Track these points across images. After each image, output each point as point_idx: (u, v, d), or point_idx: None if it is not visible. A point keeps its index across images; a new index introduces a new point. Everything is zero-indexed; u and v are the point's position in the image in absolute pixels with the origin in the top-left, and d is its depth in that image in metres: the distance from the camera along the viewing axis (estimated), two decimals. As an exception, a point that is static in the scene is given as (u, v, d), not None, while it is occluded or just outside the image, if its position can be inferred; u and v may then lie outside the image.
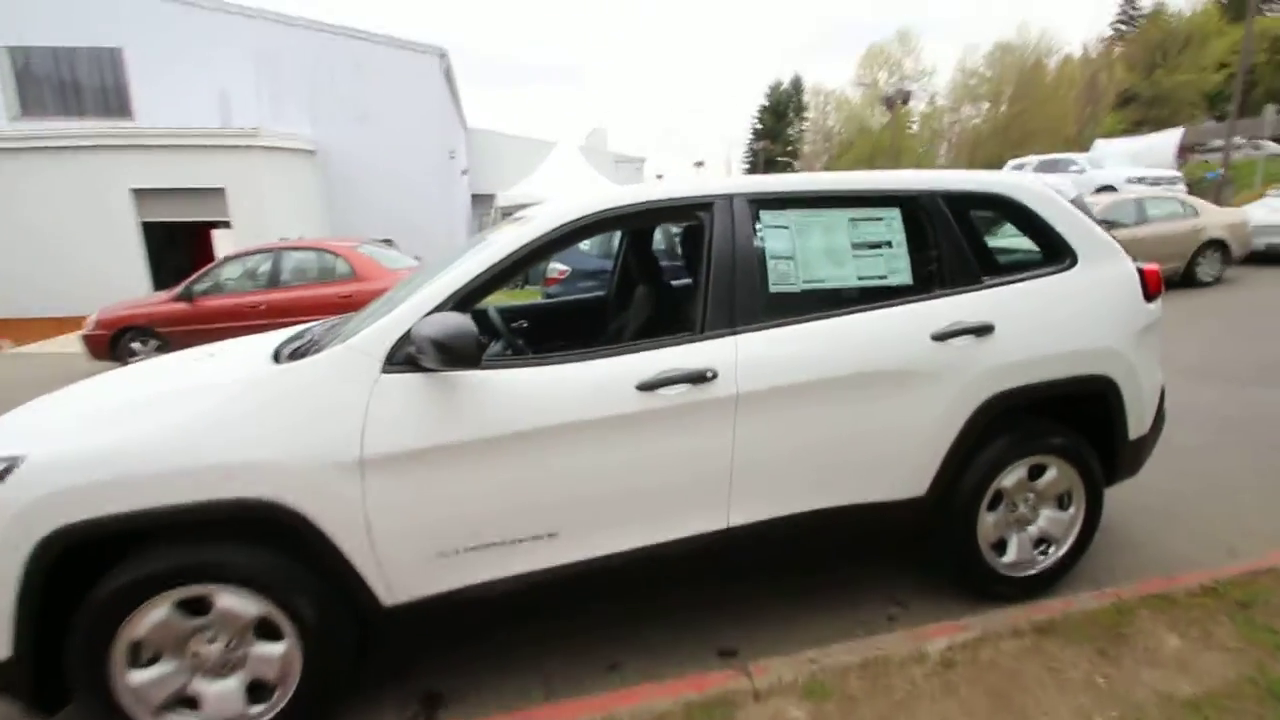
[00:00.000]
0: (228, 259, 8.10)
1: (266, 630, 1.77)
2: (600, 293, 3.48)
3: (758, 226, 2.13)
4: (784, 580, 2.59)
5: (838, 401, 2.08)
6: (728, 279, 2.05)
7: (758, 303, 2.06)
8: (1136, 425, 2.45)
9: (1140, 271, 2.47)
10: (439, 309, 1.83)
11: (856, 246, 2.20)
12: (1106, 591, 2.28)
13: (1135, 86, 36.83)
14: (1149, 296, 2.47)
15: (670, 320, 2.62)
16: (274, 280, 7.69)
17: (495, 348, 2.45)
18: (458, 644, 2.29)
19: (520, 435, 1.82)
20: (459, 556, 1.85)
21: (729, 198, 2.13)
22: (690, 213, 2.14)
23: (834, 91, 49.94)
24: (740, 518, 2.06)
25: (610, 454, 1.90)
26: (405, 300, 1.91)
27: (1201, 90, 35.17)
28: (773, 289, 2.10)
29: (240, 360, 2.14)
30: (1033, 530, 2.44)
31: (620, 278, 3.33)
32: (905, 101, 29.94)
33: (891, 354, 2.12)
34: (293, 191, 15.07)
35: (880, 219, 2.25)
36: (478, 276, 1.89)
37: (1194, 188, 15.33)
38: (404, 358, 1.79)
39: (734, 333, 2.02)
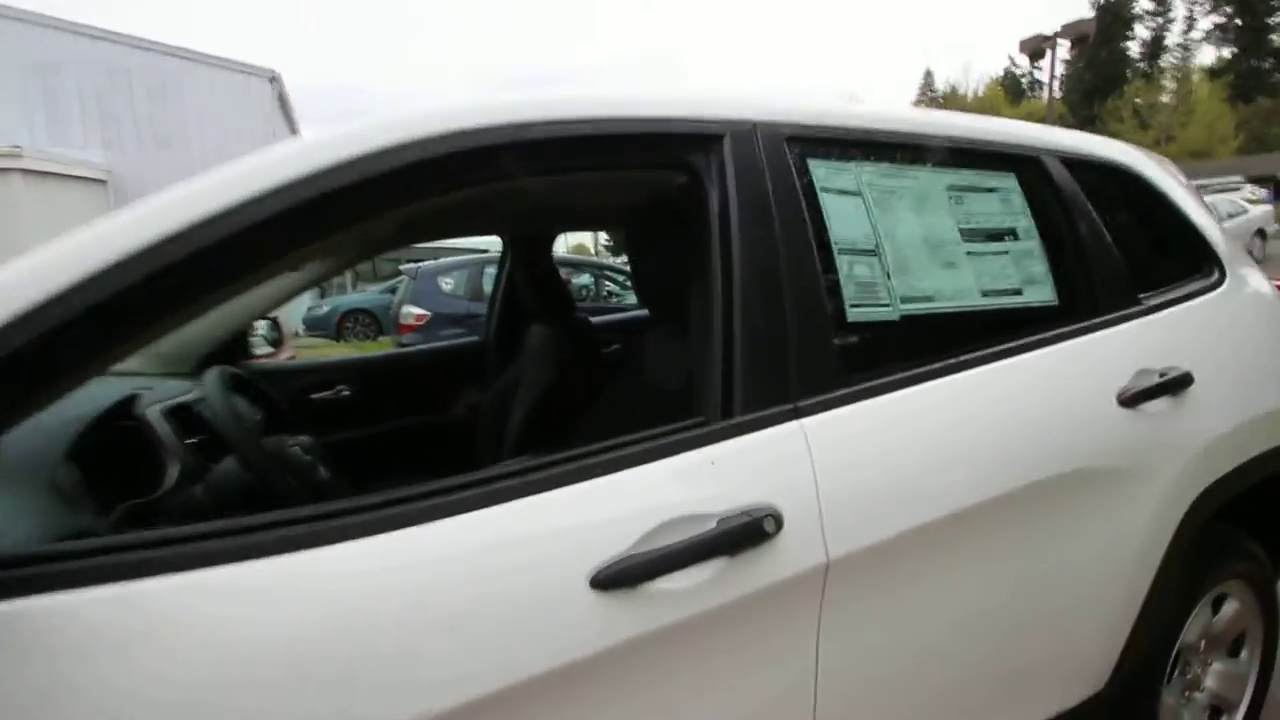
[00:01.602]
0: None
1: None
2: (476, 338, 2.23)
3: (809, 188, 1.05)
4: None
5: (1001, 543, 1.01)
6: (771, 296, 0.94)
7: (830, 346, 0.97)
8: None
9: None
10: None
11: (968, 236, 1.19)
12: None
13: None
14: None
15: (605, 388, 1.47)
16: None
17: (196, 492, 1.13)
18: None
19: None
20: None
21: (749, 127, 1.02)
22: (673, 155, 0.99)
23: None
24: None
25: None
26: None
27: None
28: (852, 315, 1.01)
29: None
30: (1201, 698, 1.51)
31: (504, 311, 2.11)
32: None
33: (1071, 438, 1.10)
34: (69, 225, 12.13)
35: (993, 189, 1.27)
36: (116, 267, 0.65)
37: None
38: None
39: (796, 413, 0.90)
